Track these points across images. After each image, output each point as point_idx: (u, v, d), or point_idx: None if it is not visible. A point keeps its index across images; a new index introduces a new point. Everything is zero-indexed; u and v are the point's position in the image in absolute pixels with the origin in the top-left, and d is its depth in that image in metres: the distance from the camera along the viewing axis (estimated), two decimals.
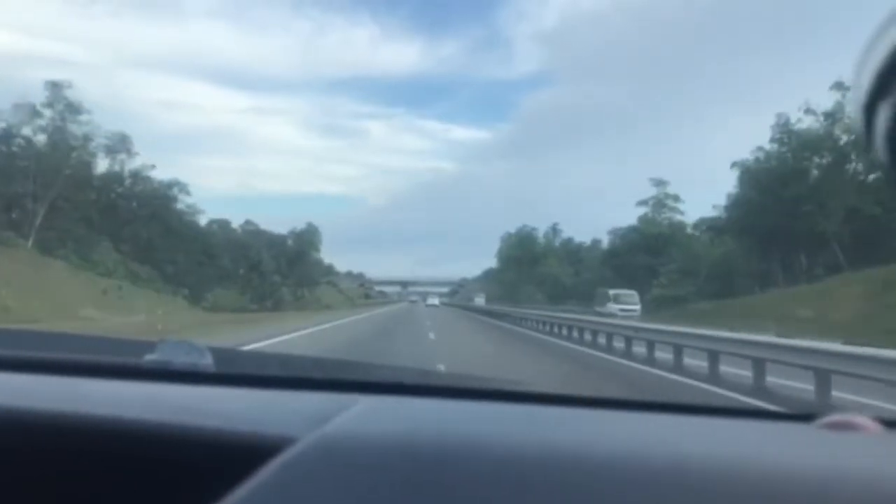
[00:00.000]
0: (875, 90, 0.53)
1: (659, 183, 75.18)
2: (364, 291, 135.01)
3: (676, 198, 74.26)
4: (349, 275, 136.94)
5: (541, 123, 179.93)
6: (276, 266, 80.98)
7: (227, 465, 0.65)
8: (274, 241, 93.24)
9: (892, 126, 0.53)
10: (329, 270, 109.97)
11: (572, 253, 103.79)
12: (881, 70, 0.51)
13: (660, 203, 74.86)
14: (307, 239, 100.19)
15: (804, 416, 0.91)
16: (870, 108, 0.54)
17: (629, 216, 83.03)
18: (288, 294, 78.96)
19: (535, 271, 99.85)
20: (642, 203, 75.36)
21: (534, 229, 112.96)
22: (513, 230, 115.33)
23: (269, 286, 75.72)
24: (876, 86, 0.52)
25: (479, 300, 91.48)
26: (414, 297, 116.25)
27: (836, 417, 0.80)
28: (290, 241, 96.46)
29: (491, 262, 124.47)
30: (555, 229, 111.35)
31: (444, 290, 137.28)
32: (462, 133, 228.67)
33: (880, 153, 0.56)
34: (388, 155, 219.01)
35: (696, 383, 10.55)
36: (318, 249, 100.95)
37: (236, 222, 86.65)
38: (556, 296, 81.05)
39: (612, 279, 59.56)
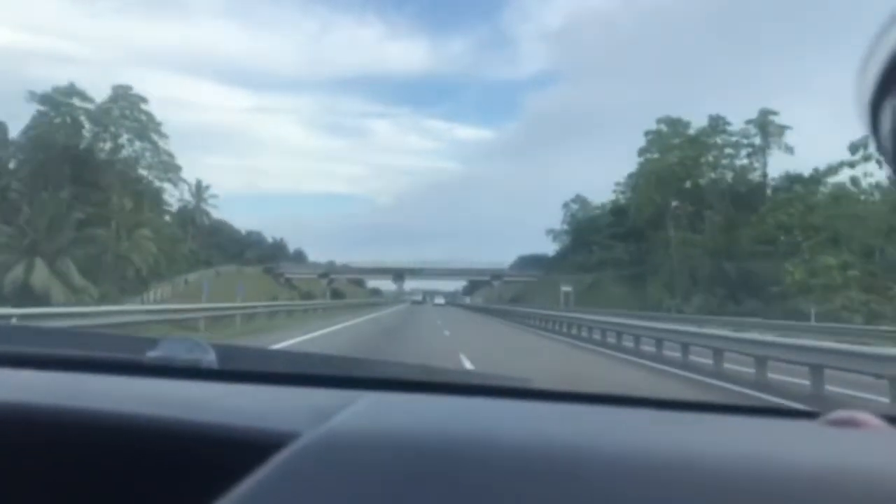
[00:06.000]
0: (880, 87, 0.51)
1: None
2: (330, 287, 75.61)
3: None
4: (332, 265, 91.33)
5: (547, 123, 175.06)
6: None
7: (231, 460, 0.65)
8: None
9: None
10: (299, 256, 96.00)
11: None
12: (886, 67, 0.50)
13: None
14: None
15: (809, 412, 0.91)
16: (874, 106, 0.53)
17: None
18: None
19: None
20: None
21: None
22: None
23: None
24: (880, 83, 0.51)
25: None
26: (418, 296, 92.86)
27: (840, 414, 0.79)
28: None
29: (524, 249, 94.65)
30: (764, 126, 46.46)
31: (452, 287, 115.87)
32: (468, 132, 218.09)
33: (885, 151, 0.54)
34: (394, 154, 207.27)
35: None
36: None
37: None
38: None
39: None
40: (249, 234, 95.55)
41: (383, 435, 0.67)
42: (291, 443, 0.64)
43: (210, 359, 1.08)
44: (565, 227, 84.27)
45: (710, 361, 12.60)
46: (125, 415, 0.78)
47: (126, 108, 41.91)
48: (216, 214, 73.21)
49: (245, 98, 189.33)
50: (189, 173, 69.53)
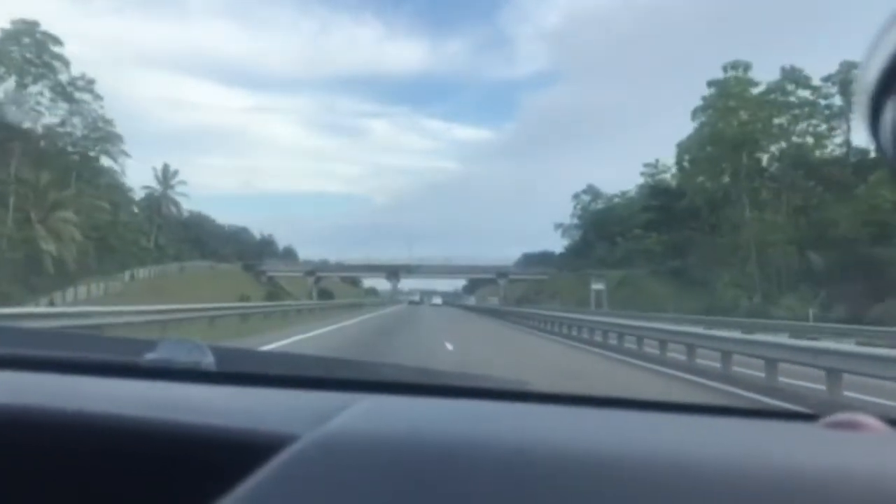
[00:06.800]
0: (881, 84, 0.52)
1: None
2: (317, 286, 67.89)
3: None
4: (325, 262, 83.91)
5: (547, 122, 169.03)
6: None
7: (229, 462, 0.65)
8: None
9: None
10: (288, 254, 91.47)
11: None
12: (887, 67, 0.50)
13: None
14: None
15: (809, 415, 0.91)
16: (876, 102, 0.53)
17: None
18: None
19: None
20: None
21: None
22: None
23: None
24: (882, 79, 0.51)
25: None
26: (415, 297, 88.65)
27: (840, 417, 0.79)
28: None
29: (526, 248, 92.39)
30: (847, 84, 36.12)
31: (452, 287, 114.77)
32: (467, 132, 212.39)
33: (886, 147, 0.55)
34: (393, 154, 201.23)
35: None
36: None
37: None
38: None
39: None
40: (232, 228, 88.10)
41: (381, 438, 0.67)
42: (290, 445, 0.64)
43: (208, 361, 1.08)
44: (575, 220, 76.18)
45: None
46: (123, 417, 0.77)
47: (31, 48, 30.56)
48: (188, 205, 64.69)
49: (243, 98, 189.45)
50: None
